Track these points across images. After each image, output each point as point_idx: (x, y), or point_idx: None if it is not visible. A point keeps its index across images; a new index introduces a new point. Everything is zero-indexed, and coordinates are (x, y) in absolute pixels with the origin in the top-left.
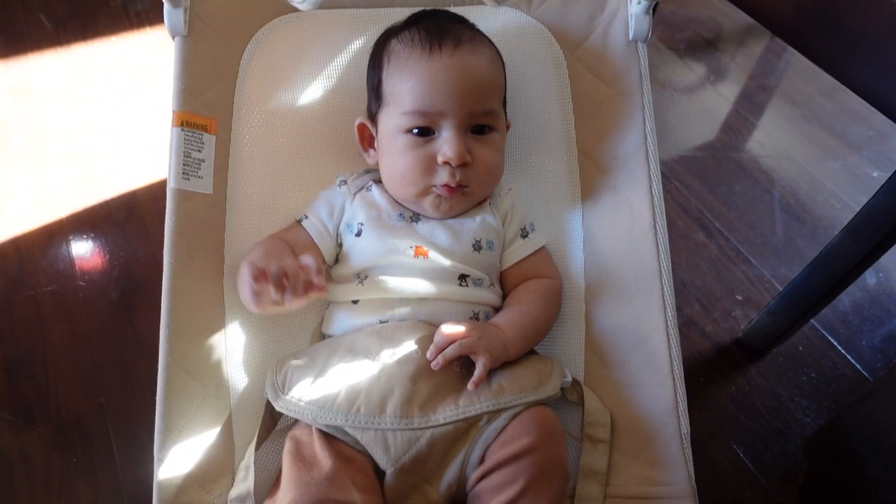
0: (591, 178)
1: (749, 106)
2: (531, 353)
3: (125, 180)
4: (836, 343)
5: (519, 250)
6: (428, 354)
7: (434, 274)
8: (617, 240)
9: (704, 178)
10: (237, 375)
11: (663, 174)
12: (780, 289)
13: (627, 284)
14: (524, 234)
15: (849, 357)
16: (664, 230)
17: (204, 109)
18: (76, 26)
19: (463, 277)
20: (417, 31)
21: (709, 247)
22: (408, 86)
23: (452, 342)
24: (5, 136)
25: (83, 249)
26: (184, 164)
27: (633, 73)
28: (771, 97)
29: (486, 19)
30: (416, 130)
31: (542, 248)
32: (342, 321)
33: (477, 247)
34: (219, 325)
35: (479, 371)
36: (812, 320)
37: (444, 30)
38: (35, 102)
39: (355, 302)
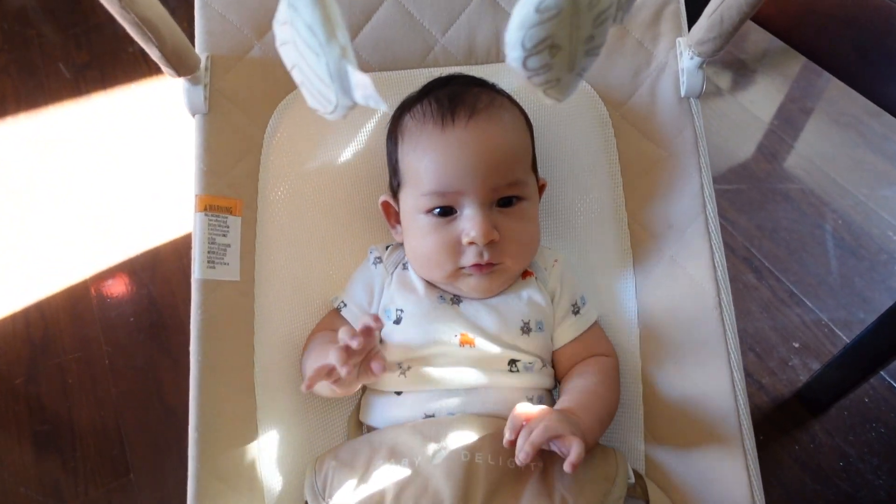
0: (644, 246)
1: (790, 130)
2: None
3: (148, 235)
4: None
5: (572, 328)
6: (505, 440)
7: (482, 362)
8: (676, 316)
9: (749, 213)
10: (271, 475)
11: None
12: (840, 333)
13: (689, 366)
14: (576, 311)
15: None
16: (731, 308)
17: (228, 190)
18: (95, 75)
19: (513, 362)
20: (429, 102)
21: (760, 289)
22: (423, 165)
23: (528, 425)
24: (28, 192)
25: (108, 312)
26: (209, 252)
27: (686, 133)
28: (814, 120)
29: (520, 76)
30: (436, 211)
31: (596, 323)
32: (383, 412)
33: (526, 329)
34: (250, 421)
35: (576, 451)
36: (881, 371)
37: (458, 99)
38: (55, 154)
39: (398, 393)
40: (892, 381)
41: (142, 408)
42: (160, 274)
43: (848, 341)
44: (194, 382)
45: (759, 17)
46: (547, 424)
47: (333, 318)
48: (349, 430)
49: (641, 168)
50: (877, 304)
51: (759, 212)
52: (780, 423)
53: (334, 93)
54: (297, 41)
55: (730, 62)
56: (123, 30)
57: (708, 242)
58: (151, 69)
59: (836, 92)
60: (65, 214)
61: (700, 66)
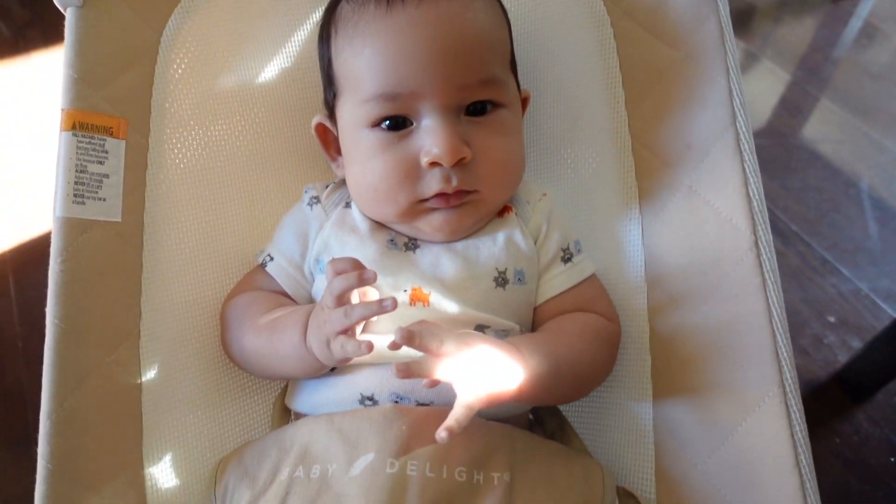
0: (653, 176)
1: (816, 82)
2: (572, 454)
3: None
4: None
5: (559, 279)
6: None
7: None
8: (697, 264)
9: (773, 172)
10: (161, 483)
11: None
12: (884, 306)
13: (717, 330)
14: (566, 258)
15: None
16: (771, 250)
17: (108, 105)
18: (36, 33)
19: (481, 329)
20: None
21: (787, 256)
22: (362, 60)
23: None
24: None
25: (25, 291)
26: (76, 183)
27: (709, 26)
28: (845, 72)
29: None
30: (385, 123)
31: (592, 276)
32: (312, 394)
33: (501, 281)
34: (131, 410)
35: (452, 417)
36: None
37: None
38: None
39: (331, 370)
40: None
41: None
42: None
43: (894, 314)
44: (50, 354)
45: None
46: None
47: (256, 275)
48: (273, 418)
49: (649, 77)
50: None
51: (783, 170)
52: (815, 412)
53: None
54: None
55: (747, 10)
56: None
57: (740, 164)
58: None
59: (866, 39)
60: None
61: None
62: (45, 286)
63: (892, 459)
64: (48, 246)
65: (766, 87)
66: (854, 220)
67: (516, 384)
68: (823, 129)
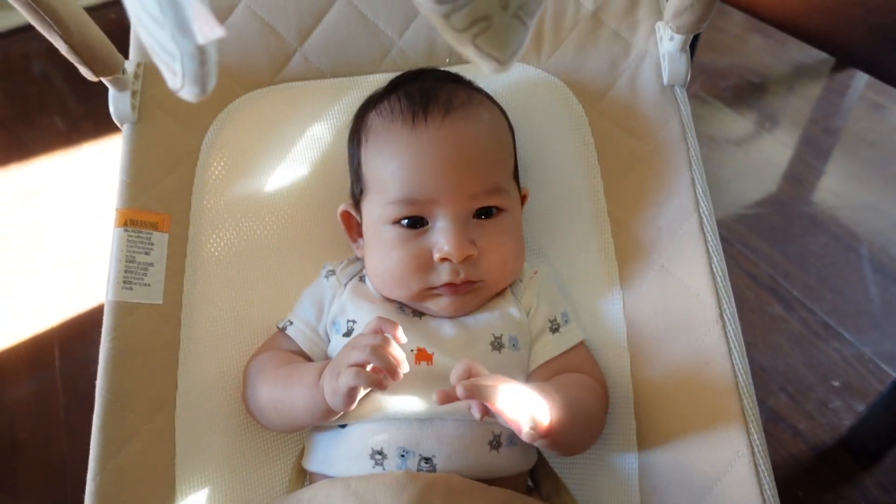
0: (631, 256)
1: (814, 152)
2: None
3: None
4: None
5: (548, 347)
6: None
7: (441, 385)
8: (671, 333)
9: (773, 239)
10: None
11: (723, 237)
12: (888, 370)
13: (691, 393)
14: (554, 328)
15: None
16: (735, 320)
17: (155, 204)
18: (89, 126)
19: None
20: (398, 98)
21: (789, 321)
22: (390, 169)
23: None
24: (6, 239)
25: (69, 365)
26: (125, 272)
27: (672, 124)
28: (838, 140)
29: (488, 77)
30: (405, 222)
31: (581, 344)
32: (326, 452)
33: (497, 345)
34: (166, 472)
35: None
36: None
37: (431, 94)
38: (41, 202)
39: (343, 426)
40: None
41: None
42: None
43: None
44: (97, 421)
45: (755, 7)
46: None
47: (277, 338)
48: (291, 480)
49: (624, 167)
50: None
51: (783, 237)
52: (822, 476)
53: (171, 38)
54: None
55: (746, 86)
56: None
57: (703, 244)
58: None
59: (861, 110)
60: (43, 262)
61: (682, 49)
62: (89, 360)
63: None
64: (93, 322)
65: (768, 159)
66: (855, 285)
67: (548, 418)
68: (823, 197)
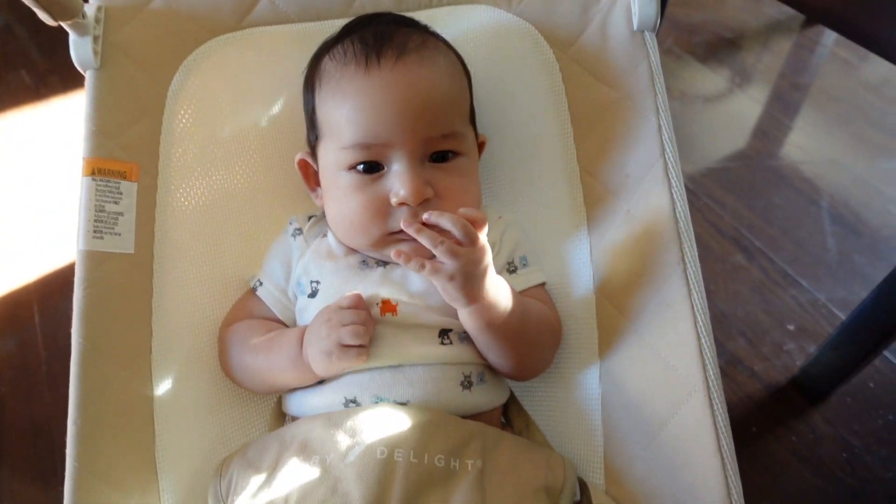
0: (598, 201)
1: (782, 107)
2: (536, 447)
3: None
4: None
5: None
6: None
7: (408, 335)
8: (635, 276)
9: (739, 192)
10: (172, 479)
11: (690, 190)
12: (840, 314)
13: (652, 334)
14: (511, 270)
15: None
16: (695, 262)
17: (122, 153)
18: (56, 81)
19: (444, 333)
20: (352, 42)
21: (750, 270)
22: (343, 113)
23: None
24: None
25: (48, 319)
26: (95, 221)
27: (641, 70)
28: (806, 96)
29: (457, 21)
30: (360, 167)
31: (540, 288)
32: (303, 400)
33: None
34: (145, 416)
35: (431, 268)
36: (884, 351)
37: (385, 37)
38: (10, 157)
39: (320, 383)
40: None
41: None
42: None
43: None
44: (75, 369)
45: None
46: (451, 274)
47: (249, 300)
48: (270, 424)
49: (593, 114)
50: (879, 281)
51: (748, 190)
52: (775, 413)
53: None
54: None
55: (719, 42)
56: None
57: (668, 190)
58: None
59: (830, 67)
60: (15, 220)
61: None
62: (67, 314)
63: (844, 455)
64: (68, 276)
65: (738, 114)
66: (814, 236)
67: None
68: (788, 152)
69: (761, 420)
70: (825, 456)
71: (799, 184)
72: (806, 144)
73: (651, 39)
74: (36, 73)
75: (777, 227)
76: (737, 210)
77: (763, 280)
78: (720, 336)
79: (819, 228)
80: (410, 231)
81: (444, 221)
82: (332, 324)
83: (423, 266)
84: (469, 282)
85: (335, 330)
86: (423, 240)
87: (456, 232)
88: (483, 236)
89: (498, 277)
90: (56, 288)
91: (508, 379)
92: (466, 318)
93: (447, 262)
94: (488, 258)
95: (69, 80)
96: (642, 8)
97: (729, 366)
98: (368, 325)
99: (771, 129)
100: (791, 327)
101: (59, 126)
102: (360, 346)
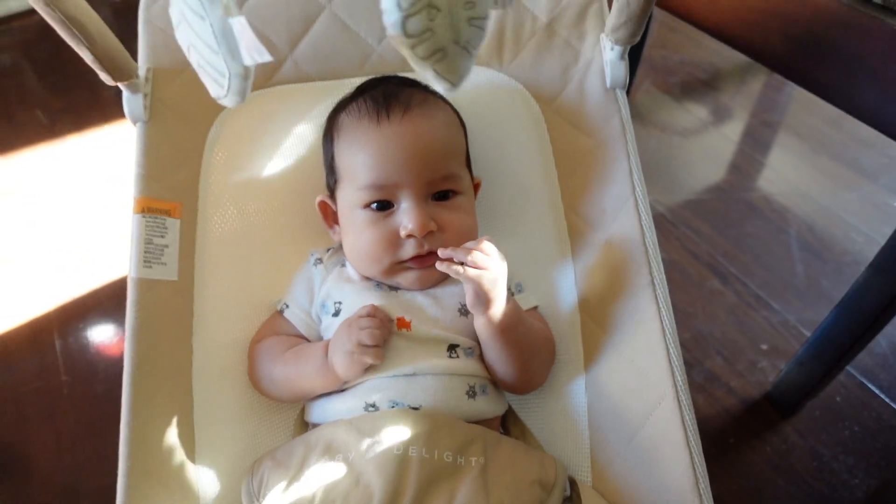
0: (581, 234)
1: (754, 144)
2: (532, 449)
3: (117, 270)
4: (877, 391)
5: None
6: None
7: (420, 347)
8: (613, 298)
9: (714, 222)
10: (208, 478)
11: (669, 220)
12: (808, 334)
13: (629, 347)
14: (509, 295)
15: (894, 405)
16: (663, 284)
17: (167, 194)
18: (70, 119)
19: (452, 348)
20: (364, 100)
21: (725, 294)
22: (359, 160)
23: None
24: None
25: (69, 342)
26: (145, 252)
27: (613, 122)
28: (776, 133)
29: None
30: (374, 205)
31: (535, 311)
32: (325, 408)
33: (464, 312)
34: (186, 423)
35: (471, 270)
36: (848, 367)
37: (392, 96)
38: (28, 193)
39: (343, 390)
40: (863, 379)
41: (99, 437)
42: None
43: None
44: (127, 379)
45: (692, 17)
46: (489, 278)
47: (276, 320)
48: (295, 431)
49: (574, 159)
50: None
51: (723, 220)
52: (750, 425)
53: (224, 61)
54: (185, 11)
55: (694, 82)
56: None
57: (638, 223)
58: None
59: (796, 105)
60: (35, 251)
61: (621, 57)
62: (86, 340)
63: (814, 464)
64: (86, 305)
65: (712, 149)
66: (784, 262)
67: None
68: (759, 184)
69: (738, 432)
70: (797, 464)
71: (769, 214)
72: (775, 177)
73: (622, 96)
74: (51, 111)
75: (750, 253)
76: (712, 238)
77: (737, 303)
78: (699, 355)
79: (788, 255)
80: (444, 254)
81: (459, 253)
82: (352, 329)
83: (463, 267)
84: (494, 288)
85: (355, 333)
86: (458, 254)
87: (471, 255)
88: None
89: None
90: (75, 315)
91: (508, 392)
92: (483, 324)
93: (484, 269)
94: (506, 268)
95: (83, 118)
96: (613, 70)
97: (707, 382)
98: (383, 328)
99: (743, 163)
100: (764, 346)
101: (73, 162)
102: (376, 347)
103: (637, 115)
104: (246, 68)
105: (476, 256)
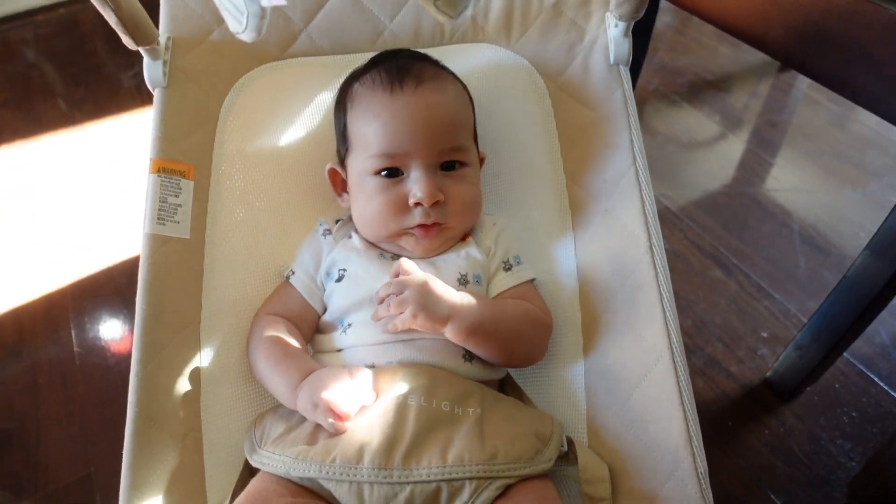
0: (581, 204)
1: (761, 144)
2: (529, 407)
3: (130, 250)
4: (876, 378)
5: (502, 282)
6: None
7: None
8: (612, 265)
9: (718, 216)
10: (213, 428)
11: (674, 213)
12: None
13: (626, 312)
14: (507, 267)
15: (892, 393)
16: (662, 251)
17: (182, 156)
18: (90, 108)
19: None
20: (378, 72)
21: (728, 284)
22: (372, 128)
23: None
24: (14, 213)
25: (83, 316)
26: (159, 210)
27: (616, 96)
28: (782, 133)
29: (465, 57)
30: (384, 172)
31: (530, 283)
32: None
33: (463, 281)
34: (193, 374)
35: (398, 320)
36: (847, 355)
37: (405, 68)
38: (48, 177)
39: (340, 350)
40: (862, 367)
41: (107, 406)
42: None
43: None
44: (138, 329)
45: (695, 6)
46: (413, 313)
47: (283, 289)
48: None
49: (577, 132)
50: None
51: (728, 215)
52: (750, 409)
53: (243, 1)
54: None
55: (702, 84)
56: (118, 67)
57: (639, 192)
58: (144, 101)
59: (802, 107)
60: (53, 230)
61: (625, 34)
62: (98, 315)
63: (812, 447)
64: (99, 282)
65: (720, 149)
66: (786, 255)
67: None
68: (765, 182)
69: (737, 415)
70: (795, 447)
71: (773, 210)
72: (780, 175)
73: (624, 71)
74: (71, 101)
75: (752, 246)
76: (716, 231)
77: (739, 292)
78: (699, 341)
79: (791, 248)
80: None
81: (380, 311)
82: (325, 390)
83: (395, 326)
84: (430, 309)
85: (329, 395)
86: (382, 311)
87: (386, 309)
88: (415, 275)
89: (460, 293)
90: (89, 291)
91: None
92: (451, 336)
93: (403, 312)
94: (434, 284)
95: (101, 108)
96: (617, 47)
97: (708, 367)
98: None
99: (749, 162)
100: (764, 334)
101: (92, 149)
102: (339, 421)
103: (645, 116)
104: (262, 8)
105: (392, 305)
